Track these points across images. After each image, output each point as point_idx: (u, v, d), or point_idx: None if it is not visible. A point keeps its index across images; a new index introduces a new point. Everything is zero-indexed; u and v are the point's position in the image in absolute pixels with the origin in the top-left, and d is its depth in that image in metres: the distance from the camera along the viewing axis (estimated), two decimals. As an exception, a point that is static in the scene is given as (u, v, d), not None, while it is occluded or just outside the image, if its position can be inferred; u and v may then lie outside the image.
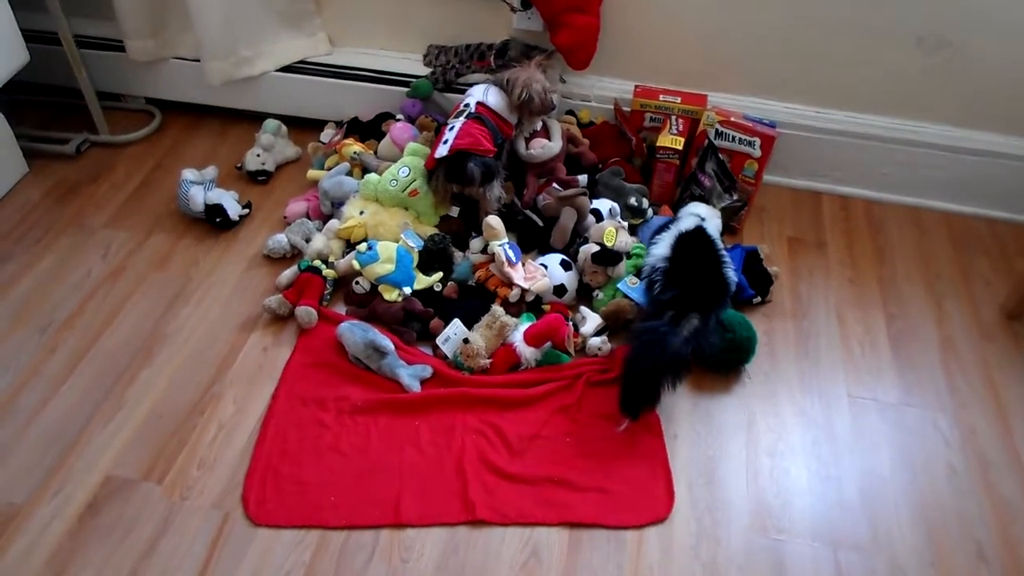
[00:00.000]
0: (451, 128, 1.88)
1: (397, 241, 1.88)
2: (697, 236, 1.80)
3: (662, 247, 1.79)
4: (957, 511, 1.53)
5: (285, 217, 2.08)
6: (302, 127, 2.37)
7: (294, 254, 2.01)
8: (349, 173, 2.08)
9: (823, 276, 2.04)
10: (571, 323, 1.77)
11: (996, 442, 1.66)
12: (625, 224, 1.92)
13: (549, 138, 2.04)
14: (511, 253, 1.81)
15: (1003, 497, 1.56)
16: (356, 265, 1.84)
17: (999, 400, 1.75)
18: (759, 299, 1.93)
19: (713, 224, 1.88)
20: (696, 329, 1.61)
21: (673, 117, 2.10)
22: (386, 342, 1.72)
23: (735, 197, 2.01)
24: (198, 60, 2.24)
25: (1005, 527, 1.51)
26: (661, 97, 2.13)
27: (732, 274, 1.76)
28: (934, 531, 1.50)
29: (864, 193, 2.27)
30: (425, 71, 2.24)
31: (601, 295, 1.85)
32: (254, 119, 2.34)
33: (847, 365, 1.82)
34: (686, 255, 1.75)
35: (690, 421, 1.69)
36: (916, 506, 1.54)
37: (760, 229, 2.16)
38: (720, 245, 1.81)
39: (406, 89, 2.22)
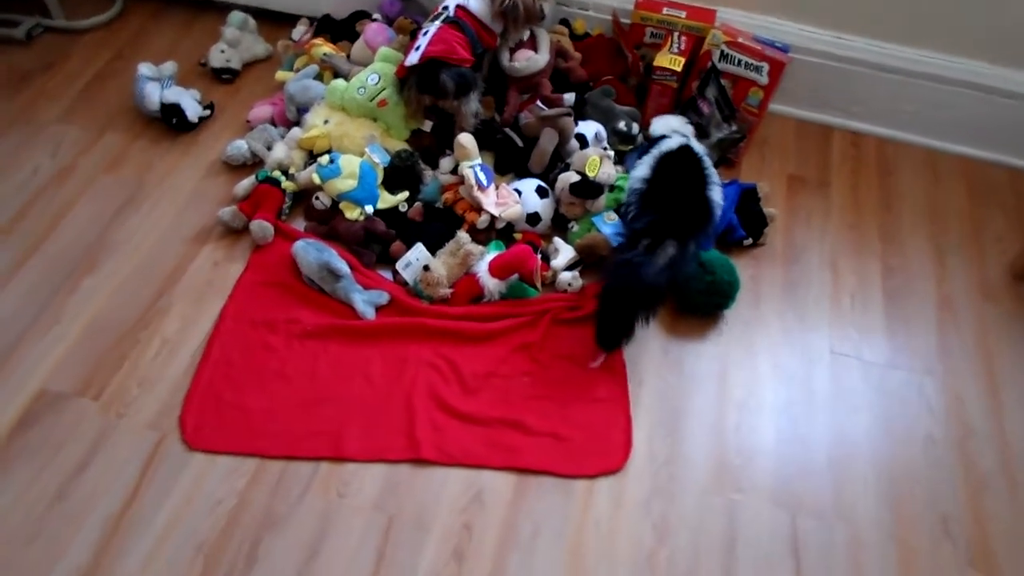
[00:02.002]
0: (425, 33, 1.70)
1: (362, 155, 1.74)
2: (682, 156, 1.65)
3: (642, 169, 1.65)
4: (928, 483, 1.45)
5: (248, 121, 1.94)
6: (275, 22, 2.19)
7: (255, 162, 1.87)
8: (318, 77, 1.92)
9: (821, 220, 1.89)
10: (541, 255, 1.65)
11: (982, 412, 1.56)
12: (611, 152, 1.76)
13: (536, 50, 1.85)
14: (482, 176, 1.67)
15: (980, 471, 1.47)
16: (316, 179, 1.71)
17: (992, 368, 1.63)
18: (750, 241, 1.80)
19: (688, 132, 1.75)
20: (672, 258, 1.50)
21: (676, 34, 1.90)
22: (342, 264, 1.61)
23: (734, 128, 1.84)
24: (160, -61, 2.03)
25: (976, 502, 1.43)
26: (665, 10, 1.92)
27: (717, 195, 1.62)
28: (901, 502, 1.42)
29: (879, 131, 2.08)
30: (409, -35, 2.03)
31: (576, 228, 1.72)
32: (224, 10, 2.15)
33: (834, 319, 1.70)
34: (667, 177, 1.62)
35: (658, 368, 1.59)
36: (885, 475, 1.46)
37: (760, 164, 1.99)
38: (707, 163, 1.66)
39: (387, -15, 2.02)
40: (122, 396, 1.48)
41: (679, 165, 1.65)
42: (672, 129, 1.75)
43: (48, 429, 1.42)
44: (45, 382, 1.49)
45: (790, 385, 1.58)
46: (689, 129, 1.80)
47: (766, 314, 1.69)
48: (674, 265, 1.51)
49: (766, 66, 1.80)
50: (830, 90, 2.03)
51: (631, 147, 1.87)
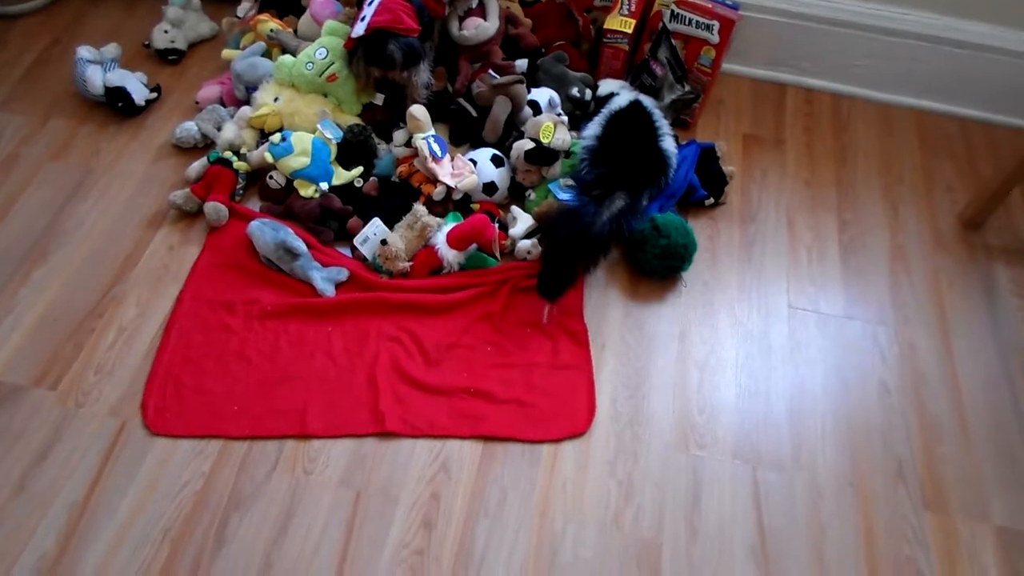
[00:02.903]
0: (370, 3, 1.67)
1: (314, 132, 1.71)
2: (633, 111, 1.66)
3: (593, 128, 1.67)
4: (883, 429, 1.49)
5: (197, 102, 1.90)
6: (220, 0, 2.13)
7: (206, 144, 1.84)
8: (266, 54, 1.88)
9: (777, 177, 1.91)
10: (499, 224, 1.65)
11: (934, 359, 1.60)
12: (565, 118, 1.75)
13: (485, 17, 1.83)
14: (436, 147, 1.65)
15: (932, 416, 1.51)
16: (269, 158, 1.68)
17: (944, 316, 1.67)
18: (712, 201, 1.81)
19: (632, 94, 1.75)
20: (621, 209, 1.52)
21: (626, -5, 1.89)
22: (298, 243, 1.59)
23: (687, 89, 1.84)
24: (93, -84, 1.97)
25: (929, 446, 1.47)
26: (614, -28, 1.90)
27: (670, 144, 1.64)
28: (857, 450, 1.46)
29: (832, 86, 2.10)
30: (354, -65, 1.99)
31: (534, 196, 1.72)
32: (167, -11, 2.09)
33: (791, 274, 1.73)
34: (618, 132, 1.63)
35: (620, 331, 1.60)
36: (843, 424, 1.49)
37: (716, 124, 2.00)
38: (658, 116, 1.67)
39: (332, -44, 1.97)
40: (80, 385, 1.46)
41: (630, 120, 1.66)
42: (619, 86, 1.76)
43: (5, 421, 1.40)
44: (-1, 375, 1.47)
45: (749, 341, 1.61)
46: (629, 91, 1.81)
47: (724, 273, 1.71)
48: (622, 215, 1.53)
49: (717, 24, 1.79)
50: (782, 47, 2.03)
51: (583, 113, 1.86)
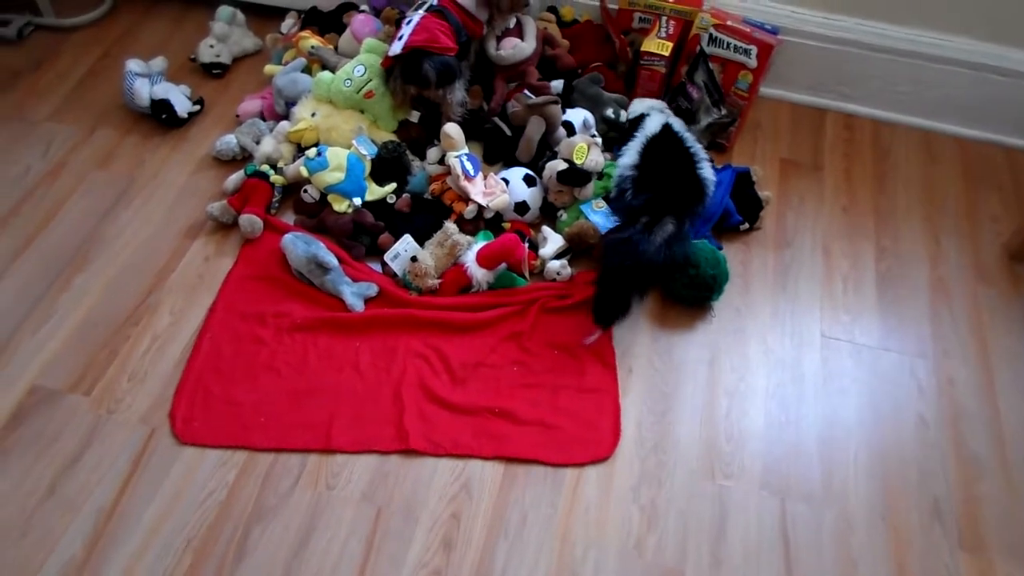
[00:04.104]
0: (408, 22, 1.69)
1: (350, 147, 1.74)
2: (666, 137, 1.65)
3: (630, 156, 1.66)
4: (919, 464, 1.44)
5: (238, 116, 1.94)
6: (264, 16, 2.19)
7: (245, 156, 1.87)
8: (306, 70, 1.92)
9: (815, 203, 1.87)
10: (529, 244, 1.65)
11: (974, 394, 1.55)
12: (599, 139, 1.75)
13: (522, 38, 1.84)
14: (469, 166, 1.66)
15: (971, 453, 1.46)
16: (304, 172, 1.71)
17: (986, 349, 1.62)
18: (747, 226, 1.78)
19: (662, 116, 1.76)
20: (671, 234, 1.52)
21: (664, 18, 1.89)
22: (330, 257, 1.61)
23: (723, 112, 1.83)
24: (146, -65, 2.03)
25: (968, 484, 1.42)
26: (653, -6, 1.90)
27: (708, 172, 1.63)
28: (891, 485, 1.42)
29: (873, 112, 2.06)
30: (396, -45, 2.02)
31: (565, 216, 1.71)
32: (213, 5, 2.15)
33: (826, 302, 1.69)
34: (656, 159, 1.63)
35: (648, 355, 1.59)
36: (876, 456, 1.45)
37: (752, 148, 1.98)
38: (691, 142, 1.67)
39: (373, -25, 2.01)
40: (113, 391, 1.49)
41: (666, 146, 1.65)
42: (649, 107, 1.76)
43: (40, 425, 1.44)
44: (37, 378, 1.50)
45: (780, 370, 1.58)
46: (669, 113, 1.82)
47: (757, 300, 1.69)
48: (672, 242, 1.52)
49: (755, 49, 1.78)
50: (822, 72, 2.01)
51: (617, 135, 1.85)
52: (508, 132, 1.78)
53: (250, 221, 1.69)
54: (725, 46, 1.81)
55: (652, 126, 1.67)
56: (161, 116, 1.90)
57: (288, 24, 2.10)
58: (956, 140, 2.03)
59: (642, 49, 1.83)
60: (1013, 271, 1.76)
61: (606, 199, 1.70)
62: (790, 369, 1.58)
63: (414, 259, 1.60)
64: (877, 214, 1.86)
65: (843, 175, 1.94)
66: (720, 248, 1.69)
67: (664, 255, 1.52)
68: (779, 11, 1.93)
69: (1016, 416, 1.51)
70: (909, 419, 1.51)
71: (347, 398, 1.48)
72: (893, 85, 1.99)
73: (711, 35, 1.81)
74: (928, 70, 1.93)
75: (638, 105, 1.85)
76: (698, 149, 1.66)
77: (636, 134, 1.68)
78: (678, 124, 1.70)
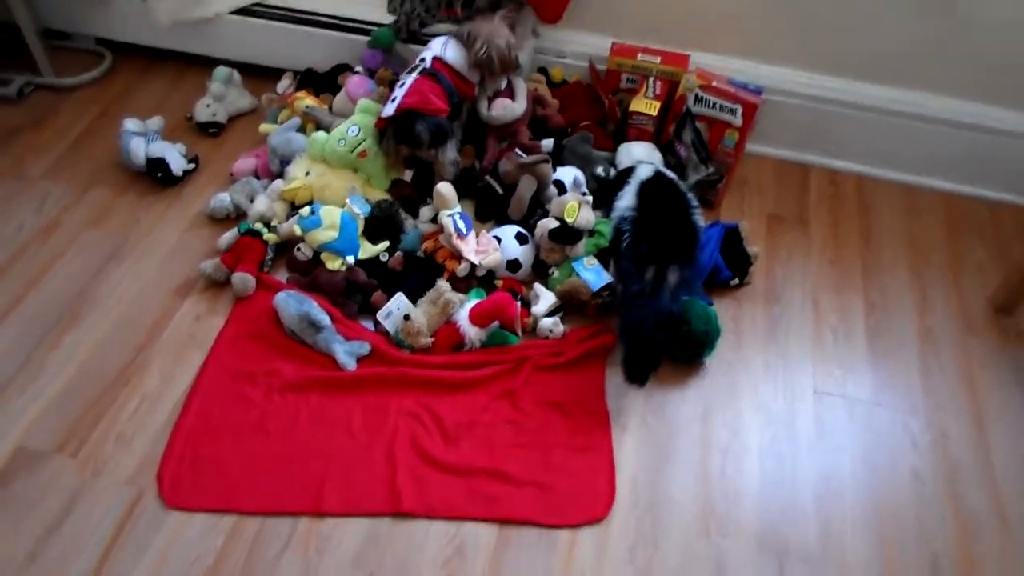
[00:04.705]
0: (401, 85, 1.73)
1: (343, 206, 1.76)
2: (659, 183, 1.68)
3: (627, 198, 1.67)
4: (916, 521, 1.43)
5: (232, 174, 1.96)
6: (261, 76, 2.22)
7: (239, 214, 1.89)
8: (301, 129, 1.95)
9: (802, 257, 1.90)
10: (521, 301, 1.66)
11: (969, 449, 1.55)
12: (590, 198, 1.78)
13: (513, 98, 1.88)
14: (461, 224, 1.68)
15: (969, 509, 1.45)
16: (298, 230, 1.72)
17: (978, 403, 1.63)
18: (737, 281, 1.80)
19: (657, 160, 1.83)
20: (679, 281, 1.54)
21: (651, 79, 1.94)
22: (322, 316, 1.61)
23: (711, 170, 1.86)
24: (147, -2, 2.08)
25: (967, 542, 1.41)
26: (640, 56, 1.96)
27: (700, 220, 1.65)
28: (889, 542, 1.40)
29: (856, 168, 2.11)
30: (389, 19, 2.07)
31: (557, 273, 1.72)
32: (211, 65, 2.19)
33: (817, 356, 1.70)
34: (652, 202, 1.65)
35: (641, 412, 1.58)
36: (873, 514, 1.44)
37: (740, 203, 2.01)
38: (684, 188, 1.69)
39: (368, 39, 2.06)
40: (100, 453, 1.46)
41: (660, 193, 1.68)
42: (636, 159, 1.79)
43: (23, 488, 1.41)
44: (23, 439, 1.48)
45: (774, 425, 1.57)
46: (657, 156, 1.87)
47: (748, 354, 1.69)
48: (680, 289, 1.55)
49: (740, 108, 1.82)
50: (805, 129, 2.06)
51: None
52: (500, 190, 1.81)
53: (243, 279, 1.69)
54: (711, 105, 1.85)
55: (645, 172, 1.69)
56: (156, 174, 1.92)
57: (284, 84, 2.14)
58: (940, 195, 2.08)
59: (631, 109, 1.88)
60: (999, 323, 1.78)
61: (597, 255, 1.72)
62: (783, 425, 1.58)
63: (407, 317, 1.61)
64: (864, 267, 1.89)
65: (829, 229, 1.97)
66: (711, 304, 1.70)
67: (678, 303, 1.54)
68: (761, 71, 1.99)
69: (1012, 471, 1.51)
70: (904, 475, 1.50)
71: (338, 459, 1.47)
72: (875, 142, 2.04)
73: (697, 95, 1.85)
74: (911, 128, 1.98)
75: (625, 155, 1.88)
76: (691, 197, 1.68)
77: (629, 180, 1.70)
78: (669, 172, 1.73)
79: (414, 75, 1.73)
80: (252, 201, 1.85)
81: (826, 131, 2.05)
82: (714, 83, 1.84)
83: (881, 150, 2.06)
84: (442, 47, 1.78)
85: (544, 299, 1.67)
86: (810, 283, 1.84)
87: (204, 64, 2.25)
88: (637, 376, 1.54)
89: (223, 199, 1.87)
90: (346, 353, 1.60)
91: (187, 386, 1.57)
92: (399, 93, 1.71)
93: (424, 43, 1.97)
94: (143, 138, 1.94)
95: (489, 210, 1.83)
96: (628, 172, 1.77)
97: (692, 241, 1.61)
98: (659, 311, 1.52)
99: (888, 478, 1.50)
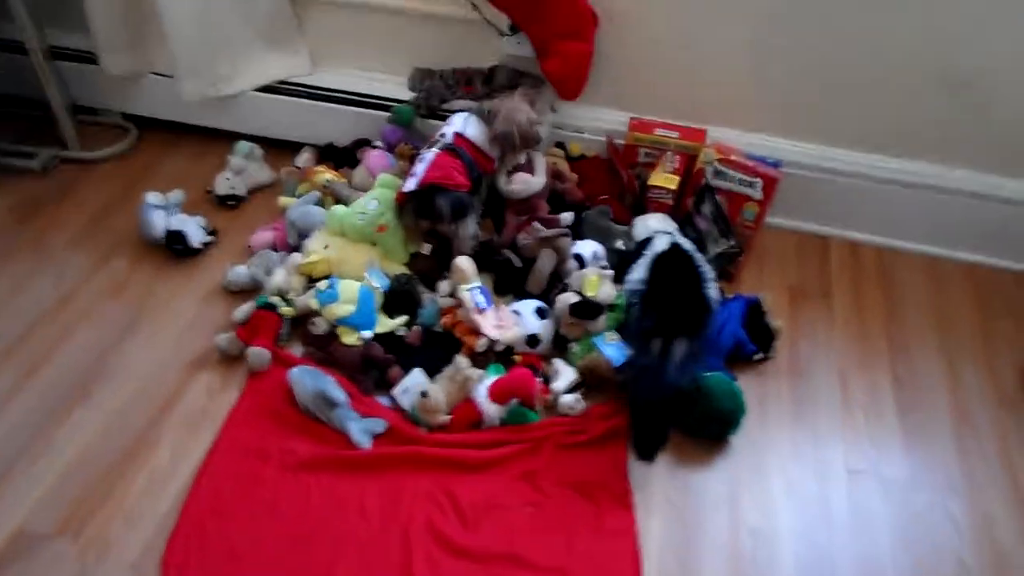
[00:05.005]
0: (422, 160, 1.74)
1: (361, 279, 1.74)
2: (673, 255, 1.65)
3: (639, 271, 1.64)
4: (965, 616, 1.35)
5: (250, 247, 1.96)
6: (281, 149, 2.25)
7: (256, 287, 1.88)
8: (320, 202, 1.96)
9: (826, 331, 1.86)
10: (541, 377, 1.62)
11: (1017, 533, 1.47)
12: (610, 271, 1.76)
13: (532, 173, 1.89)
14: (480, 299, 1.66)
15: (1019, 603, 1.37)
16: (315, 304, 1.70)
17: (1018, 481, 1.55)
18: (761, 355, 1.76)
19: (672, 228, 1.83)
20: (687, 354, 1.49)
21: (669, 153, 1.95)
22: (337, 392, 1.58)
23: (731, 243, 1.85)
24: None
25: (1020, 639, 1.32)
26: (657, 131, 1.98)
27: (714, 292, 1.61)
28: (936, 640, 1.32)
29: (877, 240, 2.09)
30: (410, 95, 2.11)
31: (577, 348, 1.69)
32: (234, 139, 2.22)
33: (847, 434, 1.64)
34: (664, 276, 1.61)
35: (666, 492, 1.52)
36: (917, 608, 1.36)
37: (760, 276, 1.99)
38: (699, 260, 1.65)
39: (388, 115, 2.09)
40: (104, 535, 1.41)
41: (671, 265, 1.64)
42: (652, 230, 1.78)
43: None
44: (25, 521, 1.43)
45: (806, 507, 1.51)
46: (672, 225, 1.85)
47: (775, 432, 1.64)
48: (689, 361, 1.50)
49: (760, 182, 1.82)
50: (824, 202, 2.05)
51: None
52: (519, 264, 1.80)
53: (258, 355, 1.67)
54: (730, 179, 1.85)
55: (661, 244, 1.67)
56: (175, 247, 1.93)
57: (304, 158, 2.16)
58: (963, 266, 2.05)
59: (650, 183, 1.88)
60: (1035, 398, 1.72)
61: (618, 329, 1.69)
62: (816, 506, 1.51)
63: (424, 394, 1.57)
64: (890, 340, 1.85)
65: (852, 302, 1.94)
66: (734, 379, 1.66)
67: (685, 376, 1.50)
68: (779, 144, 2.00)
69: (1061, 560, 1.43)
70: (948, 563, 1.42)
71: (352, 543, 1.41)
72: (894, 214, 2.03)
73: (716, 169, 1.86)
74: (931, 200, 1.97)
75: (641, 226, 1.86)
76: (707, 269, 1.65)
77: (645, 251, 1.68)
78: (687, 243, 1.70)
79: (435, 150, 1.74)
80: (269, 274, 1.84)
81: (844, 203, 2.04)
82: (733, 157, 1.85)
83: (901, 222, 2.04)
84: (463, 123, 1.81)
85: (564, 375, 1.64)
86: (835, 357, 1.80)
87: (227, 138, 2.29)
88: (644, 451, 1.51)
89: (240, 272, 1.86)
90: (361, 431, 1.55)
91: (198, 463, 1.53)
92: (420, 168, 1.72)
93: (443, 119, 2.01)
94: (163, 211, 1.96)
95: (508, 284, 1.81)
96: (645, 243, 1.76)
97: (701, 314, 1.57)
98: (665, 385, 1.48)
99: (931, 565, 1.42)
